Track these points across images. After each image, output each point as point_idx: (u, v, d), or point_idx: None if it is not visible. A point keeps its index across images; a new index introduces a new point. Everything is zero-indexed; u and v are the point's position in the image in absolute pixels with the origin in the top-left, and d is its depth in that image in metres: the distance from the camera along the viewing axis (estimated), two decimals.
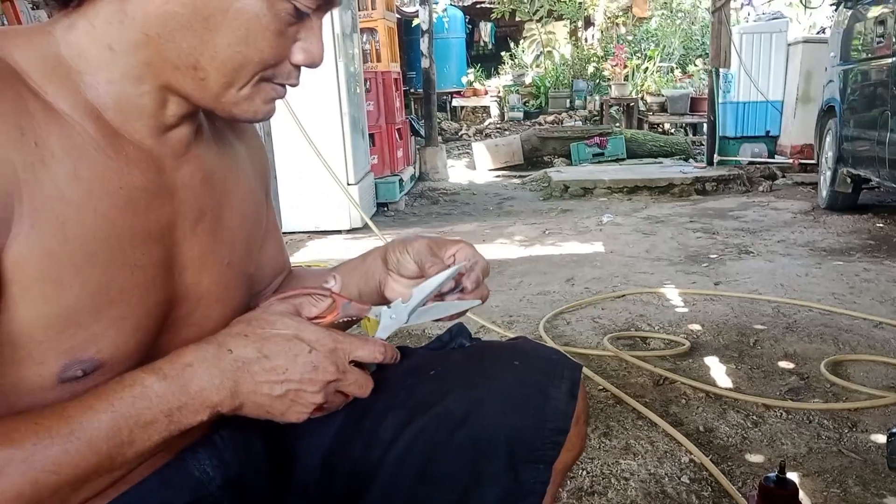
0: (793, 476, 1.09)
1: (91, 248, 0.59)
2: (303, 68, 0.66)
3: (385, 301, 0.79)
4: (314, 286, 0.72)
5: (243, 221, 0.78)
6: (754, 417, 1.96)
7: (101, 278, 0.60)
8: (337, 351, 0.66)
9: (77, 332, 0.59)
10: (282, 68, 0.65)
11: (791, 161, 6.68)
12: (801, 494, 1.12)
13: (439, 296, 0.76)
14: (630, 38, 11.66)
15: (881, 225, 4.55)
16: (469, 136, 10.23)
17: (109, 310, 0.61)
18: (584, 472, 1.71)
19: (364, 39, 5.72)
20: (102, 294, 0.60)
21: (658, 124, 9.62)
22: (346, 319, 0.72)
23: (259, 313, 0.68)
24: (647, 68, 10.35)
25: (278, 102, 0.68)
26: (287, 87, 0.67)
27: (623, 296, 3.16)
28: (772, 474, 1.09)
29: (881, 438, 1.81)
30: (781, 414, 1.98)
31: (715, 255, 3.91)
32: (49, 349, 0.59)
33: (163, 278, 0.66)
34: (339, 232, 4.89)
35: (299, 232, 4.80)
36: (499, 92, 11.39)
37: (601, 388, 2.16)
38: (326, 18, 0.63)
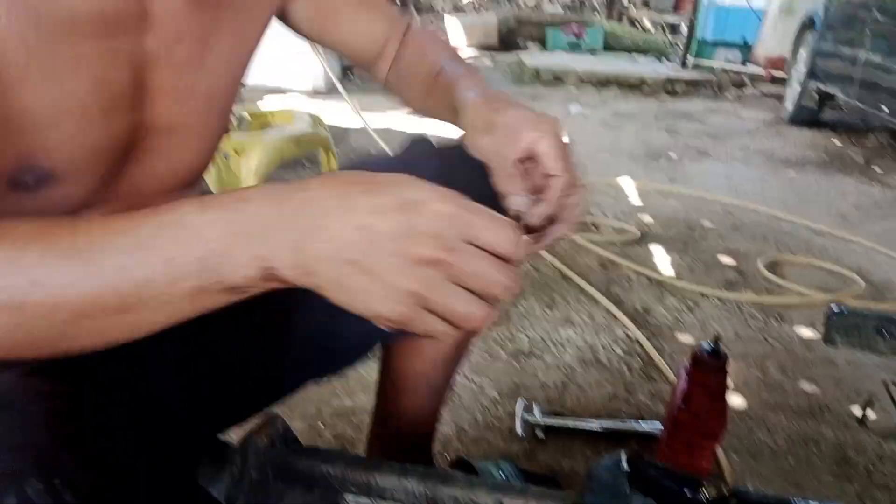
0: None
1: (47, 45, 0.54)
2: None
3: None
4: None
5: (237, 46, 0.72)
6: (690, 303, 2.05)
7: (57, 79, 0.56)
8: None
9: (32, 137, 0.56)
10: None
11: (763, 72, 6.66)
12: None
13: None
14: None
15: (837, 142, 4.62)
16: (443, 11, 9.83)
17: (68, 122, 0.58)
18: (525, 337, 1.77)
19: None
20: (60, 100, 0.57)
21: (638, 20, 9.40)
22: None
23: None
24: None
25: None
26: None
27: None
28: (706, 343, 1.14)
29: (805, 332, 1.92)
30: (715, 302, 2.07)
31: (675, 155, 3.94)
32: (2, 149, 0.55)
33: (131, 102, 0.62)
34: (301, 93, 4.74)
35: (259, 88, 4.63)
36: None
37: (549, 263, 2.22)
38: None
